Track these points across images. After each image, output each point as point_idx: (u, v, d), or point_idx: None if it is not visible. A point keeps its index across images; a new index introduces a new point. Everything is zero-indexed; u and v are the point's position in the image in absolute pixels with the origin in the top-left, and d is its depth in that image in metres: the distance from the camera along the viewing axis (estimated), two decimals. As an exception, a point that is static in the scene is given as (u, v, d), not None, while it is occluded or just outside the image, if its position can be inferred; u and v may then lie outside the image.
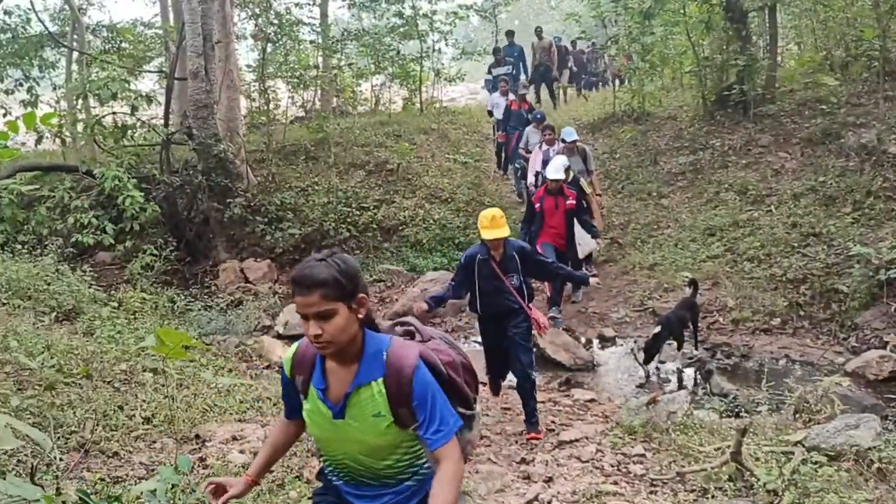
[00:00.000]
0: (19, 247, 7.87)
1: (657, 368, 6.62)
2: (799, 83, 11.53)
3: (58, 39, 13.81)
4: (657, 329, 6.39)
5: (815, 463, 3.99)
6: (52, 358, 4.65)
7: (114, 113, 9.83)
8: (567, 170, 7.64)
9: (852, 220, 7.96)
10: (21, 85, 13.39)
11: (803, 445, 4.23)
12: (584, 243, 7.68)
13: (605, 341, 7.46)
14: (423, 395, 1.90)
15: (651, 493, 4.10)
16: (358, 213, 10.29)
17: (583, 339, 7.43)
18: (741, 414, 5.36)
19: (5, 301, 5.97)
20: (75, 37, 13.77)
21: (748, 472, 4.01)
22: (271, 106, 13.61)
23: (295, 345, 2.08)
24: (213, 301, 8.29)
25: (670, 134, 11.79)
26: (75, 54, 13.25)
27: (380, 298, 8.78)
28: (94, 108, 11.04)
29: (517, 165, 10.67)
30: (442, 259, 9.58)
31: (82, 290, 6.85)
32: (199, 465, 3.85)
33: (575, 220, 7.43)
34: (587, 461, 4.56)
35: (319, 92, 15.10)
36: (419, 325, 2.19)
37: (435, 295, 5.25)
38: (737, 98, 10.96)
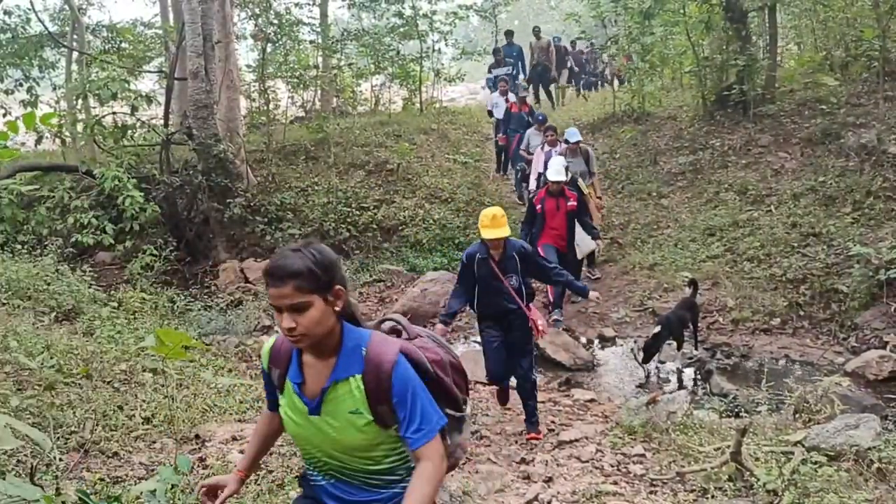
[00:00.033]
0: (19, 247, 7.87)
1: (657, 368, 6.63)
2: (799, 83, 11.53)
3: (58, 39, 13.81)
4: (657, 329, 6.39)
5: (815, 463, 3.99)
6: (51, 358, 4.65)
7: (114, 113, 9.83)
8: (565, 170, 7.65)
9: (852, 220, 7.96)
10: (21, 85, 13.39)
11: (803, 445, 4.23)
12: (584, 244, 7.69)
13: (605, 341, 7.46)
14: (404, 392, 1.82)
15: (651, 493, 4.10)
16: (358, 213, 10.29)
17: (583, 339, 7.43)
18: (741, 414, 5.36)
19: (5, 301, 5.97)
20: (75, 37, 13.77)
21: (748, 472, 4.01)
22: (271, 106, 13.61)
23: (273, 337, 2.03)
24: (213, 301, 8.29)
25: (670, 134, 11.79)
26: (75, 54, 13.25)
27: (380, 298, 8.79)
28: (94, 108, 11.04)
29: (518, 168, 10.67)
30: (442, 259, 9.58)
31: (82, 290, 6.85)
32: (198, 466, 3.85)
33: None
34: (587, 461, 4.56)
35: (319, 92, 15.10)
36: (406, 322, 2.11)
37: (448, 312, 5.13)
38: (737, 98, 10.96)
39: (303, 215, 10.13)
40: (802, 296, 7.32)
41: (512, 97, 11.65)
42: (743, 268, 8.01)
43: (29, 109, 9.30)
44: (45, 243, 8.42)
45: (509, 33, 15.26)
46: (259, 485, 3.61)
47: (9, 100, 13.05)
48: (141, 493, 2.92)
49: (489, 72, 14.58)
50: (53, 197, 9.18)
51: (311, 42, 15.55)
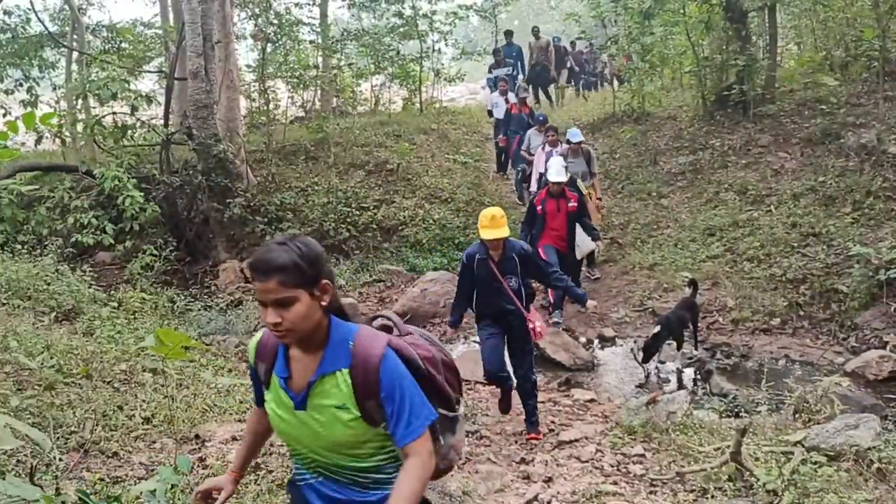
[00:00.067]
0: (19, 247, 7.87)
1: (657, 368, 6.63)
2: (799, 83, 11.53)
3: (57, 39, 13.81)
4: (657, 329, 6.39)
5: (815, 463, 4.00)
6: (51, 358, 4.65)
7: (114, 113, 9.83)
8: (564, 170, 7.64)
9: (852, 220, 7.96)
10: (21, 85, 13.38)
11: (803, 445, 4.23)
12: (583, 244, 7.68)
13: (605, 341, 7.46)
14: (392, 387, 1.77)
15: (651, 493, 4.10)
16: (358, 213, 10.29)
17: (583, 339, 7.43)
18: (741, 414, 5.36)
19: (5, 301, 5.97)
20: (75, 37, 13.77)
21: (748, 472, 4.02)
22: (271, 106, 13.61)
23: (260, 331, 1.99)
24: (212, 301, 8.29)
25: (670, 134, 11.79)
26: (75, 54, 13.25)
27: (380, 298, 8.79)
28: (94, 108, 11.04)
29: (519, 169, 10.68)
30: (442, 259, 9.58)
31: (82, 290, 6.85)
32: (198, 466, 3.85)
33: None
34: (587, 461, 4.56)
35: (319, 92, 15.10)
36: (397, 320, 2.07)
37: (453, 316, 5.25)
38: (736, 98, 10.96)
39: (303, 215, 10.13)
40: (802, 296, 7.32)
41: (512, 97, 11.64)
42: (743, 268, 8.01)
43: (29, 109, 9.30)
44: (45, 243, 8.42)
45: (509, 33, 15.25)
46: (259, 485, 3.61)
47: (9, 100, 13.05)
48: (141, 493, 2.92)
49: (489, 72, 14.57)
50: (53, 197, 9.18)
51: (311, 42, 15.55)
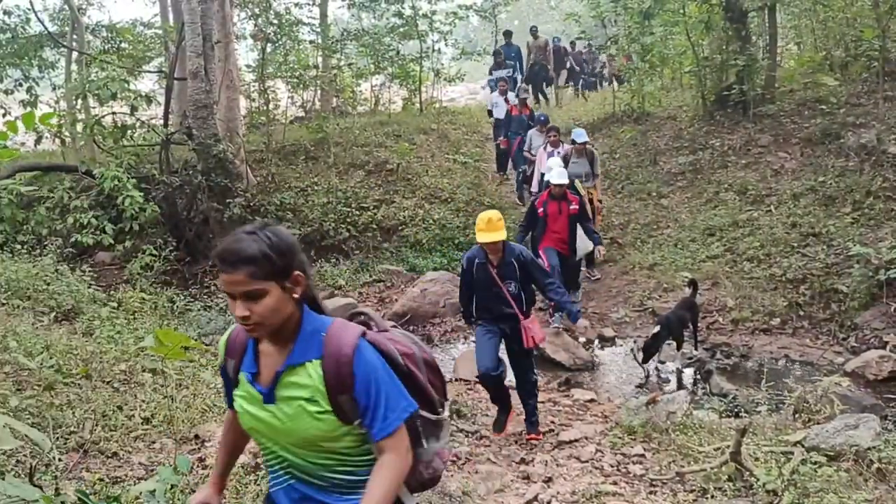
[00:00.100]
0: (19, 247, 7.87)
1: (657, 368, 6.63)
2: (799, 83, 11.53)
3: (57, 39, 13.81)
4: (656, 329, 6.39)
5: (815, 463, 4.00)
6: (51, 358, 4.64)
7: (113, 113, 9.83)
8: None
9: (852, 220, 7.97)
10: (20, 85, 13.38)
11: (803, 445, 4.23)
12: (582, 245, 7.67)
13: (605, 341, 7.46)
14: (367, 380, 1.68)
15: (650, 493, 4.10)
16: (358, 213, 10.29)
17: (583, 339, 7.42)
18: (741, 414, 5.36)
19: (5, 301, 5.97)
20: (75, 37, 13.77)
21: (748, 472, 4.02)
22: (271, 106, 13.61)
23: (232, 327, 1.90)
24: (212, 301, 8.28)
25: (670, 134, 11.79)
26: (75, 54, 13.25)
27: (379, 298, 8.79)
28: (94, 108, 11.05)
29: (520, 170, 10.67)
30: (441, 259, 9.58)
31: (82, 291, 6.84)
32: (198, 466, 3.85)
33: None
34: (587, 461, 4.56)
35: (319, 92, 15.10)
36: (376, 316, 1.97)
37: (465, 315, 5.28)
38: (736, 98, 10.96)
39: (302, 215, 10.13)
40: (802, 296, 7.32)
41: (512, 98, 11.63)
42: (743, 268, 8.01)
43: (28, 109, 9.30)
44: (45, 243, 8.42)
45: (508, 34, 15.24)
46: (259, 485, 3.61)
47: (8, 100, 13.04)
48: (140, 493, 2.92)
49: (490, 74, 14.53)
50: (53, 197, 9.18)
51: (310, 42, 15.55)
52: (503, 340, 5.04)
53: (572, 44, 18.43)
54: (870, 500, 3.64)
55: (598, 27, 16.76)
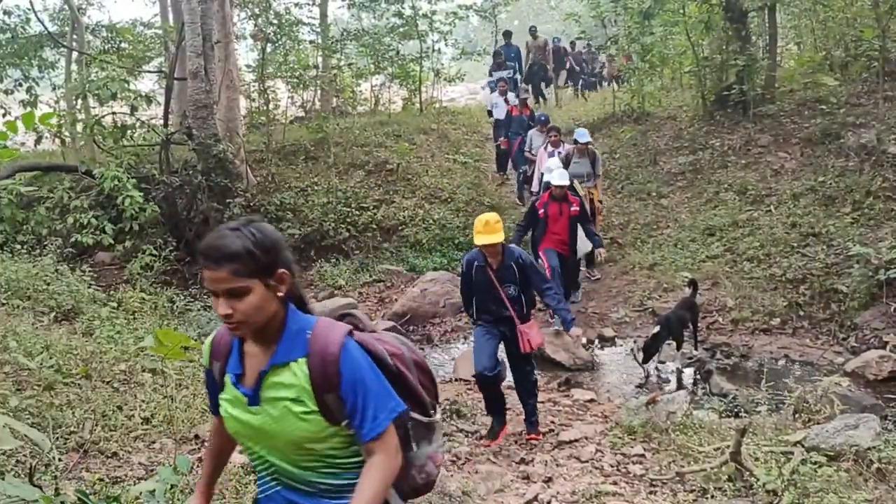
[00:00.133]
0: (19, 247, 7.86)
1: (657, 368, 6.63)
2: (798, 83, 11.53)
3: (57, 39, 13.81)
4: (656, 329, 6.39)
5: (815, 463, 3.99)
6: (51, 358, 4.64)
7: (113, 113, 9.83)
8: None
9: (852, 220, 7.97)
10: (20, 85, 13.38)
11: (803, 445, 4.23)
12: (582, 245, 7.66)
13: (605, 341, 7.46)
14: (353, 378, 1.63)
15: (650, 493, 4.10)
16: (358, 213, 10.29)
17: (582, 339, 7.41)
18: (741, 414, 5.36)
19: (5, 301, 5.97)
20: (74, 37, 13.77)
21: (748, 473, 4.01)
22: (271, 106, 13.61)
23: (217, 328, 1.85)
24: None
25: (670, 134, 11.79)
26: (75, 54, 13.25)
27: (379, 298, 8.79)
28: (94, 108, 11.05)
29: (521, 171, 10.67)
30: (441, 259, 9.59)
31: (81, 290, 6.84)
32: (198, 466, 3.84)
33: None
34: (587, 461, 4.56)
35: (319, 92, 15.10)
36: (363, 316, 1.93)
37: (469, 315, 5.28)
38: (736, 98, 10.96)
39: (302, 215, 10.13)
40: (802, 296, 7.32)
41: (512, 98, 11.63)
42: (743, 268, 8.01)
43: (28, 109, 9.30)
44: (45, 243, 8.41)
45: (507, 34, 15.22)
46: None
47: (8, 100, 13.05)
48: (140, 493, 2.91)
49: (490, 75, 14.52)
50: (53, 197, 9.18)
51: (310, 42, 15.55)
52: (503, 342, 5.03)
53: (572, 44, 18.43)
54: (870, 500, 3.64)
55: (597, 27, 16.78)
